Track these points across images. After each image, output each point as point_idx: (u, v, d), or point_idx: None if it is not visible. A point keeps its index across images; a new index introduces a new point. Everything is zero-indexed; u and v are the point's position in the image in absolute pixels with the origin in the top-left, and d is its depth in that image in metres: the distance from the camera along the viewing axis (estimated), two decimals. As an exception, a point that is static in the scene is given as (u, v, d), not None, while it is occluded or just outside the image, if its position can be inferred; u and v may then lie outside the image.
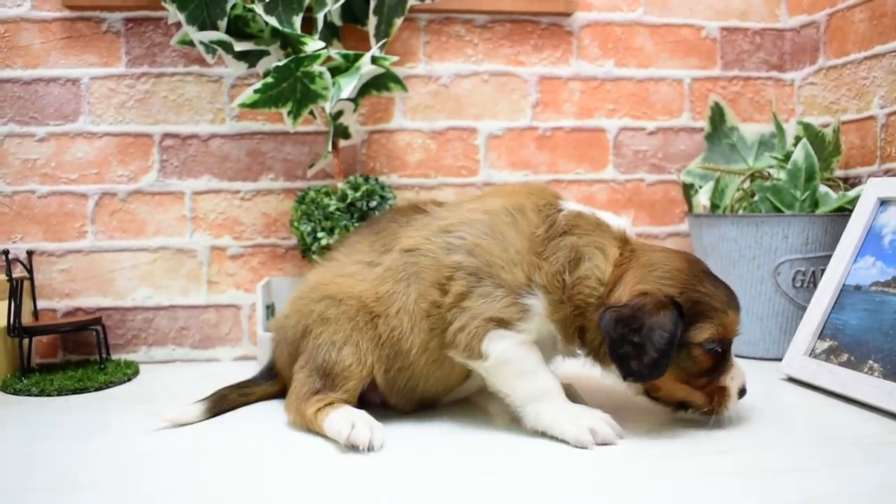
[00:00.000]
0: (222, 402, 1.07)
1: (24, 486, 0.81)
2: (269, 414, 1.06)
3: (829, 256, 1.24)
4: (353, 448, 0.89)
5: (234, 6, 1.25)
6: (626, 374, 0.92)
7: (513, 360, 0.94)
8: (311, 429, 0.97)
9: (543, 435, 0.93)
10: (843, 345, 1.13)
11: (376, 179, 1.34)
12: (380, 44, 1.35)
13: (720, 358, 0.95)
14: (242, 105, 1.20)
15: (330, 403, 0.97)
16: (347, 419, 0.92)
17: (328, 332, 0.99)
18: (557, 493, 0.76)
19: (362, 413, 0.95)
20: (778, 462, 0.84)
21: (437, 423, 1.01)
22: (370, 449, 0.89)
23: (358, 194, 1.29)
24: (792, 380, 1.19)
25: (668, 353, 0.89)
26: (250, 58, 1.28)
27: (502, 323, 0.93)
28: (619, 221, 1.01)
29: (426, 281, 0.97)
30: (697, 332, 0.92)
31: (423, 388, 1.02)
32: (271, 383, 1.12)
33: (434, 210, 1.07)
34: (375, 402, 1.05)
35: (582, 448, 0.89)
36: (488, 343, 0.93)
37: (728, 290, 0.96)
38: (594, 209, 1.02)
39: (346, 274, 1.04)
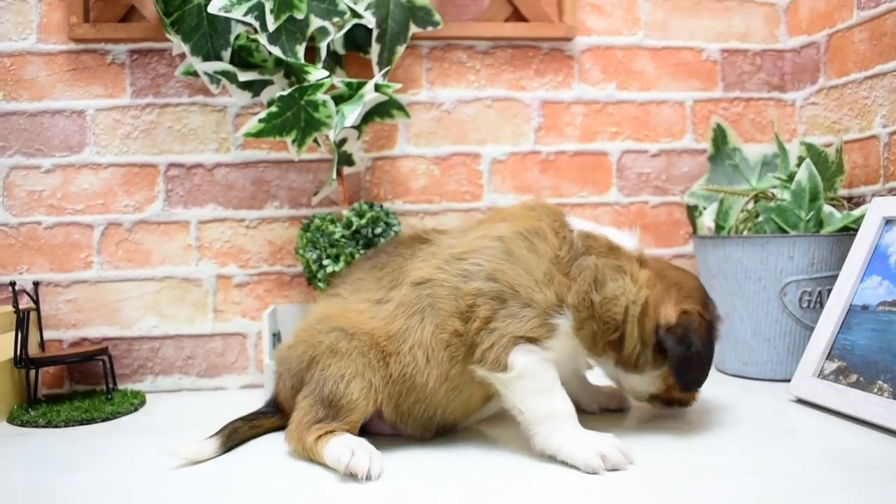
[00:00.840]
0: (234, 436, 1.05)
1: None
2: (273, 443, 1.06)
3: (836, 276, 1.24)
4: (351, 476, 0.89)
5: (237, 37, 1.27)
6: (686, 385, 1.01)
7: (531, 375, 0.95)
8: (311, 457, 0.96)
9: (552, 459, 0.93)
10: (851, 365, 1.12)
11: (381, 206, 1.34)
12: (383, 71, 1.36)
13: None
14: (247, 134, 1.21)
15: (330, 431, 0.96)
16: (347, 447, 0.92)
17: (338, 364, 0.98)
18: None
19: (362, 441, 0.94)
20: (791, 485, 0.83)
21: (440, 450, 1.00)
22: (368, 478, 0.88)
23: (363, 221, 1.29)
24: (801, 401, 1.18)
25: (711, 362, 1.03)
26: (254, 87, 1.30)
27: (531, 340, 0.95)
28: (629, 241, 1.06)
29: (444, 311, 0.97)
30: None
31: (442, 416, 1.02)
32: (279, 416, 1.10)
33: (438, 238, 1.07)
34: (385, 431, 1.05)
35: (592, 474, 0.89)
36: (514, 356, 0.94)
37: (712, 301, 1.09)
38: (599, 226, 1.07)
39: (354, 311, 1.04)
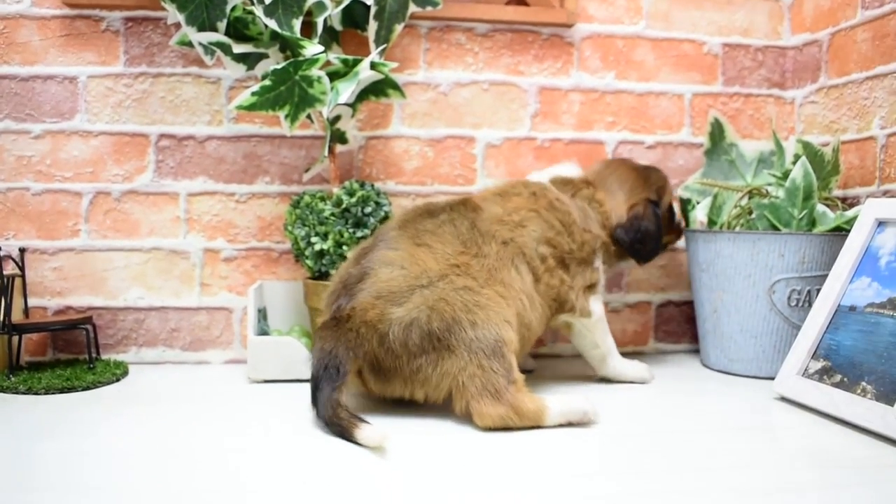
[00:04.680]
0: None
1: (9, 485, 0.80)
2: (249, 413, 1.05)
3: (825, 276, 1.24)
4: (588, 423, 1.04)
5: (234, 8, 1.25)
6: (644, 258, 1.33)
7: (603, 318, 1.26)
8: (530, 423, 1.00)
9: (608, 382, 1.30)
10: (836, 365, 1.12)
11: (372, 185, 1.33)
12: (379, 49, 1.35)
13: (673, 211, 1.43)
14: (240, 107, 1.19)
15: (526, 390, 1.03)
16: (571, 399, 1.04)
17: (484, 316, 1.02)
18: (543, 508, 0.76)
19: (564, 395, 1.06)
20: (768, 482, 0.83)
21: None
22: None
23: (353, 200, 1.28)
24: (784, 399, 1.18)
25: (660, 235, 1.34)
26: (249, 60, 1.28)
27: (593, 288, 1.24)
28: (574, 170, 1.33)
29: (536, 268, 1.15)
30: (664, 202, 1.38)
31: (524, 349, 1.17)
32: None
33: (483, 205, 1.17)
34: None
35: (644, 383, 1.30)
36: (593, 305, 1.24)
37: (658, 170, 1.39)
38: (549, 170, 1.34)
39: (462, 263, 1.07)
